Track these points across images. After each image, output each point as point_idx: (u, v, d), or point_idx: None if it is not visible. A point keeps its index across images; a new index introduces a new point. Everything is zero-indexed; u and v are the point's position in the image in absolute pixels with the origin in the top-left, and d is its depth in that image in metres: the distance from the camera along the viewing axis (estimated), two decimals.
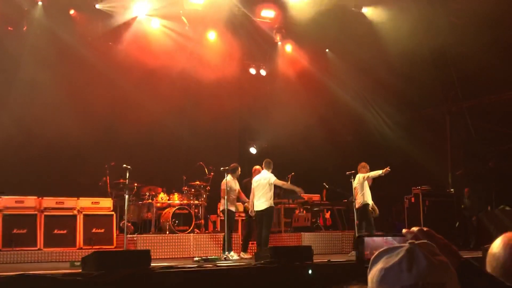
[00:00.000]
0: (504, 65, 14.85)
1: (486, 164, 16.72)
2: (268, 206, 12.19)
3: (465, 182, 16.44)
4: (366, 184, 13.14)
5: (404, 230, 1.74)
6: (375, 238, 1.78)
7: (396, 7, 15.44)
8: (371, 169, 13.23)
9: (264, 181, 12.30)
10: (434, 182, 16.11)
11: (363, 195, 13.07)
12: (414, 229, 1.72)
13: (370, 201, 13.13)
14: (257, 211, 12.30)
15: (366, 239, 1.77)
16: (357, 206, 13.06)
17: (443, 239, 1.70)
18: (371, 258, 1.56)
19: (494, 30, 14.65)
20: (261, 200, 12.24)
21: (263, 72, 18.60)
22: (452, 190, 16.52)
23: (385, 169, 12.78)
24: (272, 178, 12.29)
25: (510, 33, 14.64)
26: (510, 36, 14.64)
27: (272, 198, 12.35)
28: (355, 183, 12.98)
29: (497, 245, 2.03)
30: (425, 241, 1.54)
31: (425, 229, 1.72)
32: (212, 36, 16.86)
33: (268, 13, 16.60)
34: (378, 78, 17.06)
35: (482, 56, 14.58)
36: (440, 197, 15.56)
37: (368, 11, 16.36)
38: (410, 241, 1.52)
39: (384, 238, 1.77)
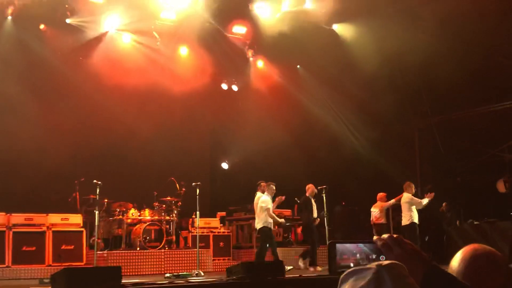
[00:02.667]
0: (471, 83, 15.15)
1: (454, 179, 16.99)
2: (262, 226, 12.68)
3: (434, 197, 16.64)
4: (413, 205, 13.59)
5: (374, 237, 1.76)
6: (347, 245, 1.79)
7: (366, 24, 15.66)
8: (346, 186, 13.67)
9: (260, 203, 12.79)
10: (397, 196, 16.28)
11: (412, 214, 13.50)
12: (384, 236, 1.74)
13: (417, 220, 13.55)
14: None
15: (338, 245, 1.79)
16: (404, 223, 13.57)
17: (412, 245, 1.72)
18: (340, 278, 1.58)
19: (462, 47, 14.95)
20: (257, 219, 12.89)
21: (235, 88, 18.66)
22: None
23: (430, 196, 13.53)
24: (265, 207, 12.68)
25: (478, 50, 14.95)
26: (478, 54, 14.95)
27: (266, 219, 12.69)
28: (402, 201, 13.66)
29: (456, 260, 2.04)
30: (394, 262, 1.55)
31: (394, 236, 1.74)
32: (184, 51, 16.88)
33: (240, 29, 16.69)
34: (349, 94, 17.25)
35: (451, 73, 14.86)
36: None
37: (339, 28, 16.55)
38: (377, 263, 1.53)
39: (356, 244, 1.80)
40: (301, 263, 13.76)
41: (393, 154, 17.54)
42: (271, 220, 12.83)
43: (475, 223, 14.98)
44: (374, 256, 1.75)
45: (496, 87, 15.34)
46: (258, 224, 12.86)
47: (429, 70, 15.72)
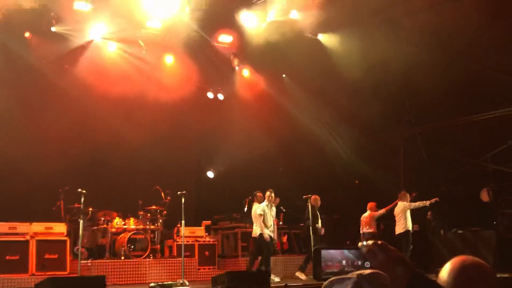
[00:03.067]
0: (455, 92, 15.29)
1: (438, 188, 17.10)
2: (258, 233, 12.96)
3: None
4: (408, 211, 14.10)
5: (359, 244, 1.78)
6: (332, 251, 1.81)
7: (351, 34, 15.76)
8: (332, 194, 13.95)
9: (253, 212, 13.16)
10: (388, 205, 16.36)
11: (407, 222, 14.05)
12: (369, 242, 1.76)
13: (411, 228, 14.18)
14: None
15: (323, 251, 1.81)
16: (398, 232, 14.01)
17: (397, 251, 1.74)
18: (322, 286, 1.60)
19: (445, 57, 15.11)
20: (254, 228, 13.21)
21: (221, 96, 18.67)
22: None
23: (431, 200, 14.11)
24: (256, 213, 13.06)
25: (461, 60, 15.11)
26: (461, 64, 15.10)
27: (261, 227, 12.97)
28: (397, 210, 14.15)
29: (445, 271, 2.07)
30: (376, 271, 1.57)
31: (379, 242, 1.76)
32: (169, 60, 16.89)
33: (225, 38, 16.71)
34: (334, 103, 17.33)
35: (434, 83, 14.99)
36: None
37: (324, 38, 16.63)
38: (359, 272, 1.55)
39: (341, 251, 1.81)
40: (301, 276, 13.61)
41: (378, 163, 17.64)
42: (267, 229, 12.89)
43: (459, 232, 15.08)
44: (359, 263, 1.77)
45: (480, 97, 15.48)
46: (254, 232, 13.17)
47: (413, 80, 15.85)
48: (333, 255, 1.79)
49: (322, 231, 14.23)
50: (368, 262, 1.73)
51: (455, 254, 2.22)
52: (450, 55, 15.12)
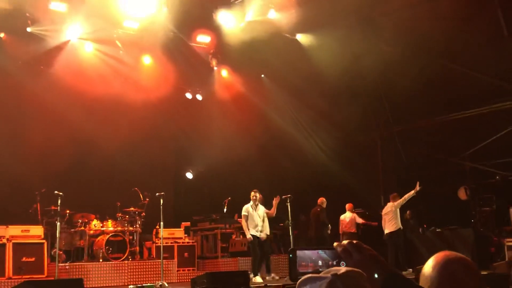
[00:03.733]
0: (432, 92, 15.41)
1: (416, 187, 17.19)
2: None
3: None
4: (398, 211, 14.47)
5: (335, 244, 1.76)
6: (307, 251, 1.79)
7: (329, 34, 15.80)
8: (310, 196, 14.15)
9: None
10: (368, 205, 16.45)
11: (397, 220, 14.45)
12: (344, 242, 1.74)
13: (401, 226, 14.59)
14: None
15: (298, 251, 1.79)
16: (390, 230, 14.33)
17: (372, 251, 1.72)
18: (296, 284, 1.57)
19: (422, 57, 15.22)
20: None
21: (199, 97, 18.59)
22: None
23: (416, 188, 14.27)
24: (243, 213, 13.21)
25: (437, 60, 15.23)
26: (438, 63, 15.22)
27: (245, 228, 13.16)
28: (386, 211, 14.53)
29: (428, 266, 2.06)
30: (351, 270, 1.54)
31: (354, 241, 1.74)
32: (147, 60, 16.78)
33: (203, 38, 16.66)
34: (312, 104, 17.37)
35: (411, 82, 15.09)
36: (373, 219, 15.90)
37: (302, 38, 16.66)
38: (333, 272, 1.52)
39: (316, 251, 1.79)
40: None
41: (356, 163, 17.71)
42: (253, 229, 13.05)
43: (437, 230, 15.20)
44: (334, 263, 1.75)
45: (457, 96, 15.61)
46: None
47: (390, 80, 15.93)
48: (308, 255, 1.76)
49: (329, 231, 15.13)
50: (343, 262, 1.71)
51: (434, 252, 2.22)
52: (427, 54, 15.23)
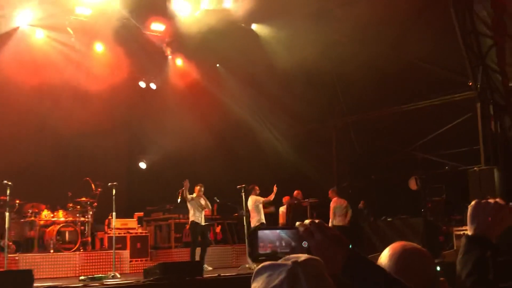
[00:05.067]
0: (385, 83, 15.62)
1: (369, 177, 17.46)
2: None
3: (350, 195, 17.09)
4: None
5: (297, 223, 1.74)
6: (268, 232, 1.76)
7: (284, 24, 15.82)
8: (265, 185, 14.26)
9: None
10: (321, 195, 16.58)
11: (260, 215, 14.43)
12: (307, 221, 1.72)
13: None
14: None
15: (260, 232, 1.75)
16: (254, 224, 14.11)
17: (334, 231, 1.71)
18: (254, 271, 1.54)
19: (376, 48, 15.39)
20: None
21: (153, 86, 18.38)
22: None
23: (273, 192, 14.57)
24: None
25: (391, 52, 15.42)
26: (391, 55, 15.41)
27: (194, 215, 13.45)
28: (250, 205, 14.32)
29: (385, 256, 2.08)
30: (311, 258, 1.52)
31: (316, 221, 1.72)
32: (99, 47, 16.46)
33: (158, 27, 16.47)
34: (268, 93, 17.39)
35: (365, 73, 15.26)
36: (327, 209, 16.03)
37: (257, 28, 16.65)
38: (294, 259, 1.49)
39: (277, 231, 1.76)
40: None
41: (310, 152, 17.84)
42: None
43: (388, 219, 15.44)
44: (293, 244, 1.72)
45: (409, 88, 15.86)
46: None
47: (345, 70, 16.06)
48: (268, 236, 1.73)
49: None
50: (305, 242, 1.68)
51: (385, 241, 2.24)
52: (380, 46, 15.41)
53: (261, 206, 14.41)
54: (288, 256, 1.51)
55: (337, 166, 18.30)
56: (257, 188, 14.42)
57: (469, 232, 2.02)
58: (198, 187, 13.59)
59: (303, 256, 1.50)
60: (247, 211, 14.02)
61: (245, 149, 18.45)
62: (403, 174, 16.46)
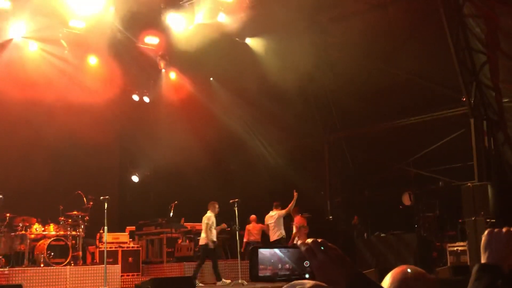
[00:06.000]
0: (378, 98, 15.64)
1: (362, 193, 17.42)
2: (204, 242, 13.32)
3: (343, 210, 17.05)
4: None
5: (299, 242, 1.69)
6: (269, 250, 1.71)
7: (278, 38, 15.86)
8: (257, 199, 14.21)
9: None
10: (314, 210, 16.52)
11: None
12: (309, 241, 1.68)
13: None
14: None
15: (260, 250, 1.70)
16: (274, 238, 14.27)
17: (337, 250, 1.67)
18: None
19: (370, 63, 15.43)
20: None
21: (146, 99, 18.33)
22: (330, 217, 17.05)
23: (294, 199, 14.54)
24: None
25: (384, 67, 15.45)
26: (384, 70, 15.45)
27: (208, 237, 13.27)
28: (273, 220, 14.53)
29: (386, 282, 2.04)
30: (317, 284, 1.47)
31: (319, 240, 1.68)
32: (93, 60, 16.44)
33: (152, 40, 16.46)
34: (261, 108, 17.38)
35: (359, 88, 15.28)
36: (320, 224, 15.99)
37: (252, 42, 16.67)
38: (298, 286, 1.44)
39: (278, 250, 1.71)
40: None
41: (304, 167, 17.79)
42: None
43: (381, 235, 15.39)
44: (294, 265, 1.67)
45: (403, 103, 15.87)
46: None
47: (338, 85, 16.08)
48: (267, 257, 1.68)
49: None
50: (307, 262, 1.63)
51: (378, 257, 2.21)
52: (374, 61, 15.45)
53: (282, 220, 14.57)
54: (294, 283, 1.47)
55: (330, 181, 18.25)
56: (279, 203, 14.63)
57: (482, 261, 2.00)
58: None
59: (308, 284, 1.46)
60: (239, 226, 13.92)
61: (238, 163, 18.41)
62: (396, 190, 16.45)
